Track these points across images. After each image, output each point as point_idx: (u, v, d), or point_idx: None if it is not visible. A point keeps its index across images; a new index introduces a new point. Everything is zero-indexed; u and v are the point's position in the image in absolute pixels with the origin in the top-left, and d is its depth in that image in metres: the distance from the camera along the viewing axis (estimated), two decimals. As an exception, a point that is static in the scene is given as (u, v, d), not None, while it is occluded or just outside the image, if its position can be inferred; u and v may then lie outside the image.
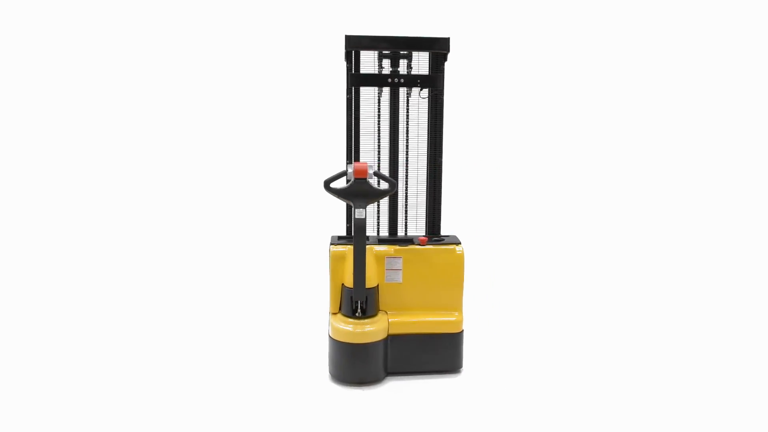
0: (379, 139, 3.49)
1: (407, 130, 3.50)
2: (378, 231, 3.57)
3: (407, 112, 3.48)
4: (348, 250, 3.19)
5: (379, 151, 3.50)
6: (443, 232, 3.67)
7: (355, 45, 3.27)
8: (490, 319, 4.15)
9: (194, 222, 5.53)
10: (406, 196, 3.56)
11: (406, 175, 3.54)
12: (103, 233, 5.35)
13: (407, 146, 3.51)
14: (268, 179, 5.45)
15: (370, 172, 2.98)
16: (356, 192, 2.99)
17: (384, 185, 3.17)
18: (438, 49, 3.31)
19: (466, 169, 5.73)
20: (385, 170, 3.49)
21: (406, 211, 3.58)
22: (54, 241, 5.21)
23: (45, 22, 5.44)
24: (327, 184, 2.99)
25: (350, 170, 2.96)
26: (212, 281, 4.68)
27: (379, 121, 3.47)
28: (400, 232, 3.57)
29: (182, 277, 4.76)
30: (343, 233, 3.52)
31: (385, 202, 3.54)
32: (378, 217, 3.58)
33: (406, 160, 3.53)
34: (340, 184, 3.07)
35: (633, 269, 5.08)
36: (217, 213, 5.55)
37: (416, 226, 3.58)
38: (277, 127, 5.70)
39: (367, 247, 3.24)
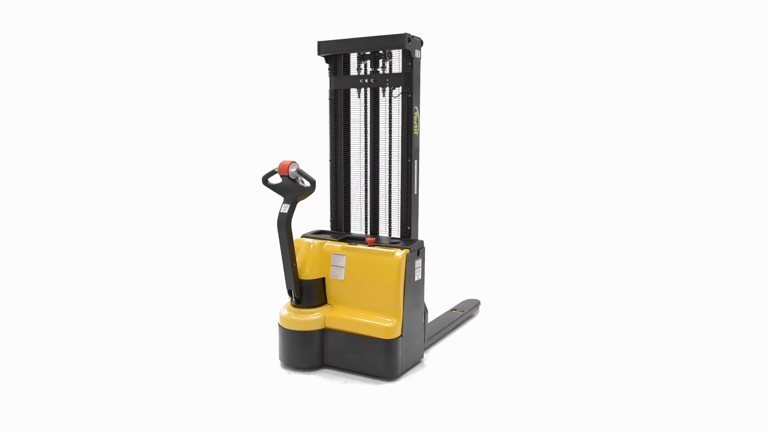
0: (366, 140, 3.57)
1: (390, 131, 3.48)
2: (366, 230, 3.64)
3: (390, 112, 3.47)
4: (307, 242, 3.41)
5: (366, 151, 3.57)
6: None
7: (325, 50, 3.45)
8: (475, 327, 3.86)
9: (189, 216, 6.23)
10: (390, 197, 3.54)
11: (389, 176, 3.52)
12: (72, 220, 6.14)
13: (390, 146, 3.50)
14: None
15: (292, 170, 3.15)
16: (283, 188, 3.21)
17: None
18: (394, 46, 3.25)
19: (470, 173, 6.01)
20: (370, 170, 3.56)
21: (389, 211, 3.56)
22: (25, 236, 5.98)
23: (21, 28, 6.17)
24: (264, 179, 3.28)
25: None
26: (205, 271, 5.30)
27: (365, 122, 3.55)
28: (383, 233, 3.58)
29: (179, 267, 5.42)
30: (328, 227, 3.71)
31: (369, 203, 3.60)
32: (366, 216, 3.65)
33: (389, 161, 3.51)
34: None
35: (615, 272, 5.23)
36: (210, 208, 6.22)
37: (399, 228, 3.53)
38: (273, 127, 6.13)
39: (318, 242, 3.41)
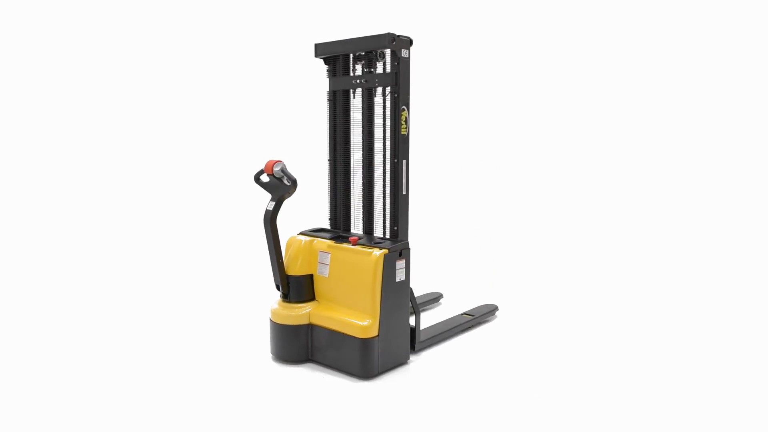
0: (362, 140, 3.60)
1: (384, 131, 3.49)
2: (363, 230, 3.68)
3: (384, 112, 3.48)
4: (298, 239, 3.51)
5: (362, 152, 3.61)
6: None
7: (321, 52, 3.53)
8: (484, 332, 3.77)
9: (190, 215, 6.30)
10: (384, 197, 3.55)
11: (384, 176, 3.53)
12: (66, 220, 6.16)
13: (384, 147, 3.51)
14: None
15: (276, 168, 3.26)
16: (270, 186, 3.33)
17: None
18: (379, 46, 3.25)
19: (478, 173, 5.89)
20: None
21: (384, 211, 3.57)
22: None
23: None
24: (256, 177, 3.42)
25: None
26: (207, 268, 5.49)
27: (362, 123, 3.59)
28: (378, 233, 3.60)
29: (184, 262, 5.59)
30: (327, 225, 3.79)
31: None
32: (364, 215, 3.68)
33: (383, 161, 3.52)
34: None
35: (614, 271, 5.27)
36: (212, 207, 6.30)
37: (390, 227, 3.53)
38: (275, 127, 6.17)
39: (309, 239, 3.50)
